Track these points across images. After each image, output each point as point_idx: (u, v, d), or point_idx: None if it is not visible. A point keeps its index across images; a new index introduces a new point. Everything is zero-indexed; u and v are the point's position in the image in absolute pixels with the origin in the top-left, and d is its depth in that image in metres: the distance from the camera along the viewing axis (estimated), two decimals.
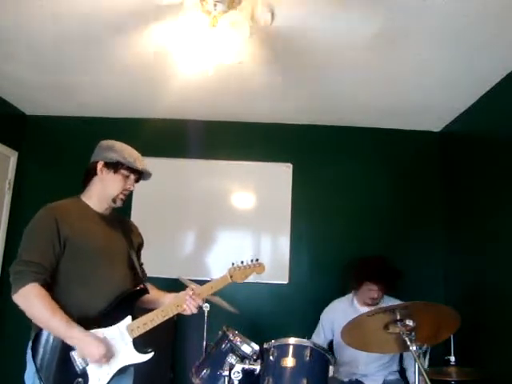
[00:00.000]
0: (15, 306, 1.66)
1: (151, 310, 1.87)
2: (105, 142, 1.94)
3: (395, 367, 2.87)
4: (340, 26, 2.30)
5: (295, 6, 2.13)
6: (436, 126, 3.67)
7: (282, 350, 2.04)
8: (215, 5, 1.99)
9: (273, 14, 2.13)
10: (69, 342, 1.66)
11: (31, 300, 1.64)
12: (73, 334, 1.65)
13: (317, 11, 2.17)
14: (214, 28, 2.03)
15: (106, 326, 1.74)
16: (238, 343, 2.09)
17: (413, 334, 1.88)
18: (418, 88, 2.97)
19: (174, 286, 2.15)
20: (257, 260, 2.10)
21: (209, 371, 2.09)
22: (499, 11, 2.08)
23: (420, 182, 3.70)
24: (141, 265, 2.08)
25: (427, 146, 3.73)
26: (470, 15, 2.13)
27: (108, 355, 1.70)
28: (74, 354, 1.68)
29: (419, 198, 3.67)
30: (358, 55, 2.57)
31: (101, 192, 1.89)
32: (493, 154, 2.89)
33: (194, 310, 1.89)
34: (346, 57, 2.60)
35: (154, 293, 2.00)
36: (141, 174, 1.94)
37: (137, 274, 1.95)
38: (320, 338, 2.94)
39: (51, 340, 1.68)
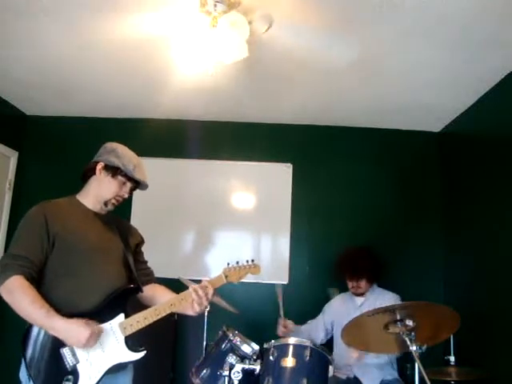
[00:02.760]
0: None
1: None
2: (110, 145, 1.94)
3: (394, 366, 2.87)
4: (340, 27, 2.30)
5: (295, 16, 2.14)
6: (436, 126, 3.67)
7: (282, 350, 2.05)
8: (215, 5, 2.00)
9: (270, 25, 2.15)
10: (52, 332, 1.65)
11: (13, 291, 1.64)
12: (53, 324, 1.64)
13: (317, 17, 2.17)
14: (213, 28, 2.03)
15: (97, 323, 1.73)
16: (238, 343, 2.09)
17: (413, 334, 1.89)
18: (418, 88, 2.97)
19: (174, 286, 2.15)
20: (252, 261, 2.08)
21: (209, 371, 2.09)
22: (499, 11, 2.08)
23: (420, 182, 3.70)
24: (146, 262, 2.10)
25: (427, 146, 3.73)
26: (470, 15, 2.13)
27: (95, 337, 1.67)
28: (64, 350, 1.67)
29: (419, 198, 3.67)
30: (357, 55, 2.57)
31: (96, 192, 1.90)
32: (492, 154, 2.89)
33: (205, 303, 1.87)
34: (346, 57, 2.60)
35: (164, 293, 2.00)
36: (138, 184, 1.94)
37: (133, 275, 1.94)
38: (319, 323, 3.01)
39: (41, 336, 1.68)
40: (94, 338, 1.68)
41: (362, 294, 2.92)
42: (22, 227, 1.78)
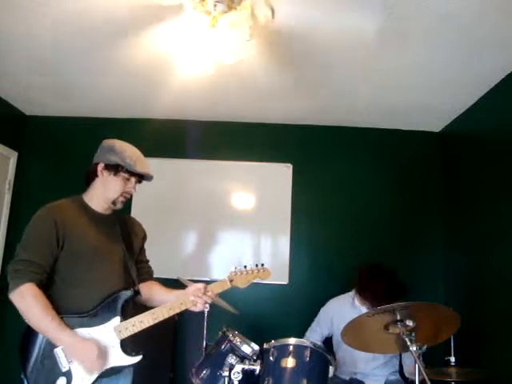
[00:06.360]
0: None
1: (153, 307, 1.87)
2: (106, 142, 1.93)
3: (396, 367, 2.87)
4: (340, 27, 2.30)
5: (295, 4, 2.13)
6: (436, 126, 3.67)
7: (282, 351, 2.04)
8: (215, 5, 1.99)
9: (273, 11, 2.13)
10: (58, 344, 1.67)
11: (25, 299, 1.65)
12: (61, 338, 1.66)
13: (317, 11, 2.17)
14: (213, 28, 2.03)
15: (93, 326, 1.73)
16: (238, 343, 2.09)
17: (413, 334, 1.88)
18: (418, 88, 2.97)
19: (173, 286, 2.15)
20: (262, 265, 2.04)
21: (209, 371, 2.08)
22: (499, 11, 2.08)
23: (420, 183, 3.70)
24: (147, 261, 2.10)
25: (427, 146, 3.73)
26: (470, 15, 2.13)
27: (102, 356, 1.68)
28: (57, 350, 1.67)
29: (419, 199, 3.67)
30: (357, 55, 2.57)
31: (101, 193, 1.89)
32: (493, 155, 2.89)
33: (201, 307, 1.88)
34: (346, 57, 2.60)
35: (160, 291, 2.01)
36: (142, 177, 1.93)
37: (132, 278, 1.93)
38: (316, 334, 2.92)
39: (38, 337, 1.68)
40: (103, 359, 1.69)
41: None
42: (31, 231, 1.76)
